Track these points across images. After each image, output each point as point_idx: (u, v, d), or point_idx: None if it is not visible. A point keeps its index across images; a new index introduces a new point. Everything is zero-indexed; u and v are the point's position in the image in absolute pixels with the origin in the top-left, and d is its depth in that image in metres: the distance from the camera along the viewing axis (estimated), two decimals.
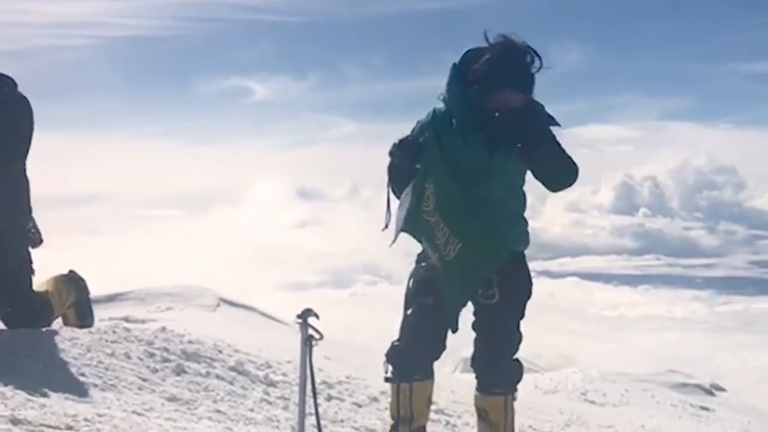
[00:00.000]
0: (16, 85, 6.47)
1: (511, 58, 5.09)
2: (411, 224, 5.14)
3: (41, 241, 6.65)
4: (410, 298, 5.33)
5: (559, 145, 5.19)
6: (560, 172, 5.18)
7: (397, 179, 5.21)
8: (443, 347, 5.35)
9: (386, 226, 5.26)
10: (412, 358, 5.29)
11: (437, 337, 5.31)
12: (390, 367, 5.34)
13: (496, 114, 5.01)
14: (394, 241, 5.21)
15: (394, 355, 5.32)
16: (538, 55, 5.11)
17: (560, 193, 5.39)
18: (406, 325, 5.31)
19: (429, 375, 5.39)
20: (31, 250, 6.64)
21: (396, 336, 5.35)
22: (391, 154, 5.13)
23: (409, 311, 5.30)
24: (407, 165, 5.11)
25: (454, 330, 5.22)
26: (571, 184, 5.26)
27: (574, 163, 5.19)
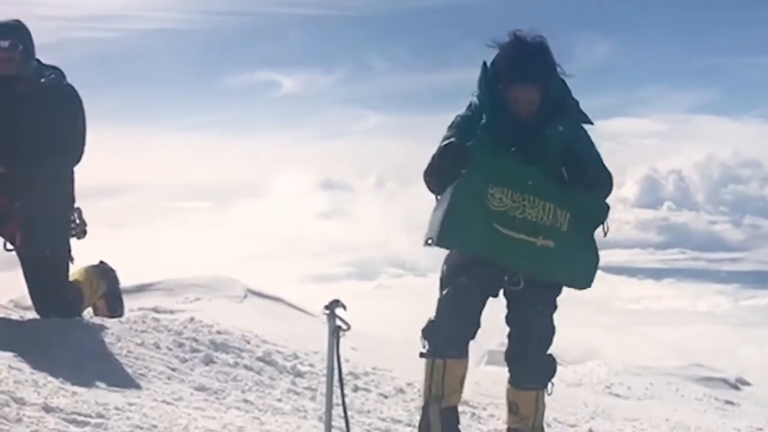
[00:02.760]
0: (63, 75, 6.54)
1: (519, 52, 5.23)
2: (452, 238, 5.20)
3: (85, 232, 6.71)
4: (445, 280, 5.40)
5: (595, 155, 5.39)
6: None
7: (439, 181, 5.25)
8: (477, 326, 5.38)
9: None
10: (446, 335, 5.32)
11: (471, 315, 5.35)
12: (426, 343, 5.39)
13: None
14: (427, 244, 5.23)
15: (429, 330, 5.35)
16: (548, 50, 5.28)
17: None
18: (442, 304, 5.36)
19: (463, 354, 5.39)
20: (74, 240, 6.71)
21: (431, 315, 5.38)
22: (438, 157, 5.17)
23: (444, 291, 5.37)
24: (453, 171, 5.14)
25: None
26: (605, 196, 5.39)
27: (609, 176, 5.35)
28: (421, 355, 5.42)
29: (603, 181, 5.37)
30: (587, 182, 5.22)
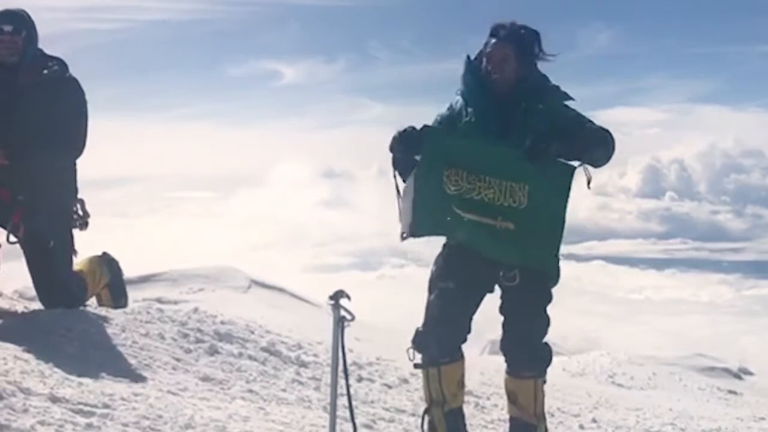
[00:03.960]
0: (66, 66, 6.54)
1: (498, 23, 5.31)
2: (425, 225, 5.25)
3: (87, 223, 6.71)
4: (432, 284, 5.40)
5: (582, 122, 5.28)
6: (592, 151, 5.22)
7: (402, 172, 5.30)
8: (467, 330, 5.40)
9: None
10: (436, 342, 5.33)
11: (460, 320, 5.37)
12: (417, 353, 5.41)
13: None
14: (403, 239, 5.30)
15: (418, 340, 5.37)
16: (526, 27, 5.32)
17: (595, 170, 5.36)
18: (429, 309, 5.36)
19: (456, 357, 5.42)
20: (77, 231, 6.71)
21: (421, 321, 5.40)
22: (391, 148, 5.21)
23: (431, 296, 5.37)
24: (408, 157, 5.20)
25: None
26: (609, 156, 5.29)
27: (605, 133, 5.25)
28: (415, 366, 5.45)
29: (603, 144, 5.23)
30: (588, 157, 5.17)
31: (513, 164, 5.11)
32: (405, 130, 5.16)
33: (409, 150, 5.17)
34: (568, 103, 5.37)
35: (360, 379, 6.89)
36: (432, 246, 5.54)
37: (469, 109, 5.31)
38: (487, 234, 5.17)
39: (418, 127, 5.22)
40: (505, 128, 5.21)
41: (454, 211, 5.17)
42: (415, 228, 5.23)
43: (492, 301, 5.47)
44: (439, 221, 5.23)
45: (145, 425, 4.78)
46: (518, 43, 5.27)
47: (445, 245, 5.49)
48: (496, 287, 5.41)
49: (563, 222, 5.29)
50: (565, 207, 5.27)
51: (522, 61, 5.28)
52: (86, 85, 6.56)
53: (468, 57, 5.34)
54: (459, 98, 5.41)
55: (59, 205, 6.57)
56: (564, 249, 5.47)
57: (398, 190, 5.32)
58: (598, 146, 5.21)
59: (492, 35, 5.30)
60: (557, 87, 5.37)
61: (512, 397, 5.53)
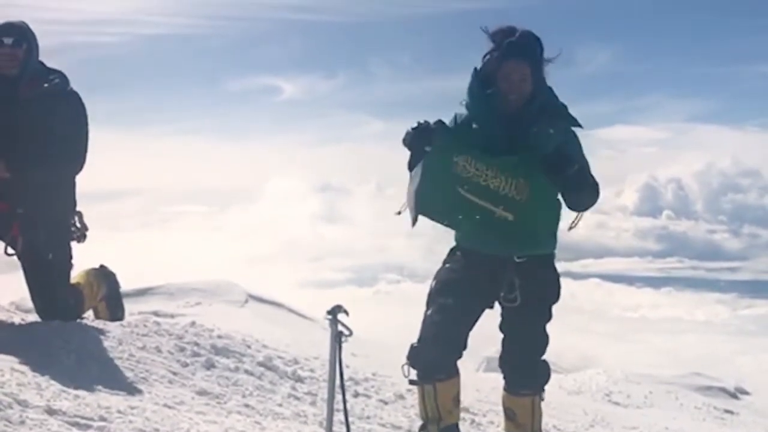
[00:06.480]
0: (67, 80, 6.53)
1: (510, 35, 5.21)
2: (428, 206, 5.22)
3: (85, 236, 6.71)
4: (431, 299, 5.36)
5: (583, 165, 5.25)
6: (582, 197, 5.28)
7: (412, 163, 5.24)
8: (464, 346, 5.37)
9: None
10: (432, 359, 5.31)
11: (457, 336, 5.34)
12: (412, 370, 5.38)
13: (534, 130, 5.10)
14: (414, 223, 5.24)
15: (414, 356, 5.34)
16: (538, 38, 5.26)
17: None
18: (426, 325, 5.33)
19: (452, 374, 5.40)
20: (75, 244, 6.71)
21: (417, 336, 5.37)
22: (404, 140, 5.19)
23: (429, 311, 5.33)
24: (418, 148, 5.15)
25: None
26: (590, 206, 5.32)
27: (595, 184, 5.26)
28: (410, 382, 5.42)
29: (585, 185, 5.23)
30: (569, 175, 5.06)
31: (520, 164, 5.14)
32: (417, 123, 5.16)
33: (418, 139, 5.14)
34: (577, 130, 5.36)
35: (356, 395, 6.88)
36: (429, 261, 5.55)
37: (474, 125, 5.27)
38: (485, 220, 5.17)
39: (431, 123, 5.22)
40: (512, 149, 5.17)
41: (458, 192, 5.16)
42: (420, 208, 5.19)
43: (488, 318, 5.46)
44: (441, 205, 5.24)
45: None
46: (534, 60, 5.23)
47: (446, 261, 5.47)
48: (496, 303, 5.40)
49: (558, 219, 5.35)
50: (558, 208, 5.32)
51: (535, 75, 5.25)
52: (85, 98, 6.56)
53: (476, 69, 5.27)
54: (464, 111, 5.35)
55: (58, 217, 6.57)
56: (560, 266, 5.49)
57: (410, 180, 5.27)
58: (590, 197, 5.28)
59: (506, 53, 5.19)
60: (565, 107, 5.34)
61: (510, 415, 5.52)
